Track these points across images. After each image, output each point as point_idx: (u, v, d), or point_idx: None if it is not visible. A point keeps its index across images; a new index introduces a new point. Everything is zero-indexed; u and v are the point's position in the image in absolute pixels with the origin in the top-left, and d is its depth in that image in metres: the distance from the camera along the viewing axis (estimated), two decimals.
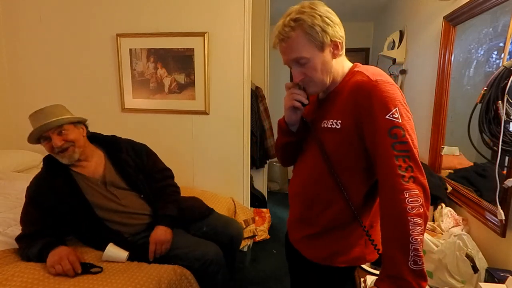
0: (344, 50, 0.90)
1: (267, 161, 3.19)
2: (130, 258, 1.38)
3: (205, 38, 2.17)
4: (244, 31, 2.15)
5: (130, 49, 2.31)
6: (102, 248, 1.36)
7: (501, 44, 1.26)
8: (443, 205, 1.53)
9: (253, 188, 3.02)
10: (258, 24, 2.87)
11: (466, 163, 1.57)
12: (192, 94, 2.28)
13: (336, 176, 0.88)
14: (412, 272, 0.73)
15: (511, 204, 1.11)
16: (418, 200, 0.73)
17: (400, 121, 0.76)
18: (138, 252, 1.40)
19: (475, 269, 1.10)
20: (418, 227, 0.72)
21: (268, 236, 2.80)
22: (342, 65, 0.91)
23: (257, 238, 2.66)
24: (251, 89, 2.34)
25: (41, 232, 1.34)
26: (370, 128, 0.80)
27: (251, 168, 2.57)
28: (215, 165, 2.36)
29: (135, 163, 1.56)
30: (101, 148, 1.56)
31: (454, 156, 1.64)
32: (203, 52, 2.19)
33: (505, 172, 1.15)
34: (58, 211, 1.37)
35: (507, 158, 1.13)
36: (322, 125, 0.91)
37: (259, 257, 2.53)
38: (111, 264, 1.33)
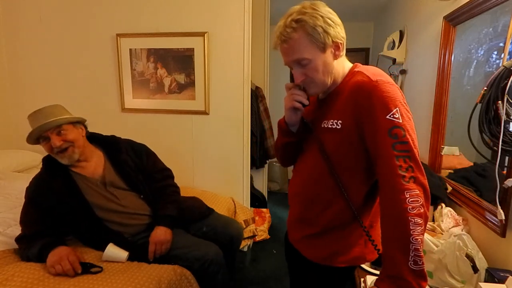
0: (344, 51, 0.89)
1: (267, 161, 3.19)
2: (130, 258, 1.38)
3: (205, 38, 2.17)
4: (244, 31, 2.15)
5: (130, 49, 2.30)
6: (102, 248, 1.36)
7: (501, 44, 1.26)
8: (443, 205, 1.53)
9: (253, 188, 3.02)
10: (258, 24, 2.87)
11: (466, 163, 1.57)
12: (192, 94, 2.28)
13: (336, 176, 0.88)
14: (412, 272, 0.73)
15: (511, 204, 1.11)
16: (418, 200, 0.73)
17: (400, 121, 0.76)
18: (138, 252, 1.40)
19: (475, 269, 1.10)
20: (419, 227, 0.72)
21: (268, 236, 2.80)
22: (342, 65, 0.91)
23: (257, 238, 2.66)
24: (251, 89, 2.34)
25: (40, 232, 1.34)
26: (370, 128, 0.80)
27: (251, 168, 2.56)
28: (215, 165, 2.36)
29: (134, 163, 1.56)
30: (101, 148, 1.56)
31: (454, 156, 1.65)
32: (203, 52, 2.19)
33: (505, 172, 1.15)
34: (58, 212, 1.37)
35: (507, 158, 1.13)
36: (322, 125, 0.91)
37: (259, 257, 2.53)
38: (111, 264, 1.32)
